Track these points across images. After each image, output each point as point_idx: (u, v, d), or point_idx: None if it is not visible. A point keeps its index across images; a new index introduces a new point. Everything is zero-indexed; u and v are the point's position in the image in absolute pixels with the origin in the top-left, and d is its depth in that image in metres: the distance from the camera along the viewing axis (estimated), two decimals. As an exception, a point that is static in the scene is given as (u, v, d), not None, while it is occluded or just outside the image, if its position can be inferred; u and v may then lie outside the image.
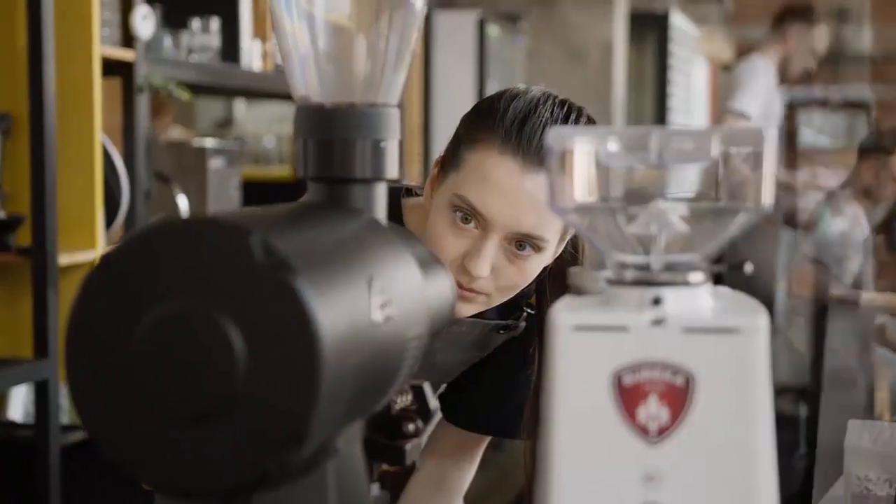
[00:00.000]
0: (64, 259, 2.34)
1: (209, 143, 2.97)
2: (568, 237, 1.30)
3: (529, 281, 1.26)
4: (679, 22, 7.30)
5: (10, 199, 2.37)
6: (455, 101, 3.91)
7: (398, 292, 0.71)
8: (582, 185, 0.69)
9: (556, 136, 0.69)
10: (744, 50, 9.65)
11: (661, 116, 7.19)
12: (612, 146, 0.69)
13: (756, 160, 0.67)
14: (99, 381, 0.62)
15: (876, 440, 1.80)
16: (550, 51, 5.28)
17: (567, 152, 0.69)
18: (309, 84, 0.81)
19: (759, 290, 4.47)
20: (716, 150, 0.67)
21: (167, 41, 2.81)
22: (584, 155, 0.69)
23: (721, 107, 4.29)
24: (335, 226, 0.72)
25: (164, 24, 2.83)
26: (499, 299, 1.26)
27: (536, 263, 1.25)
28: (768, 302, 4.65)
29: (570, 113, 1.27)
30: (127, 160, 2.56)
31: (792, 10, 4.45)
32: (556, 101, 1.26)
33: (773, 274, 4.60)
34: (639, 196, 0.70)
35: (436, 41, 4.51)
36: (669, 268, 0.69)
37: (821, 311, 4.11)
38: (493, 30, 4.70)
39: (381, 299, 0.68)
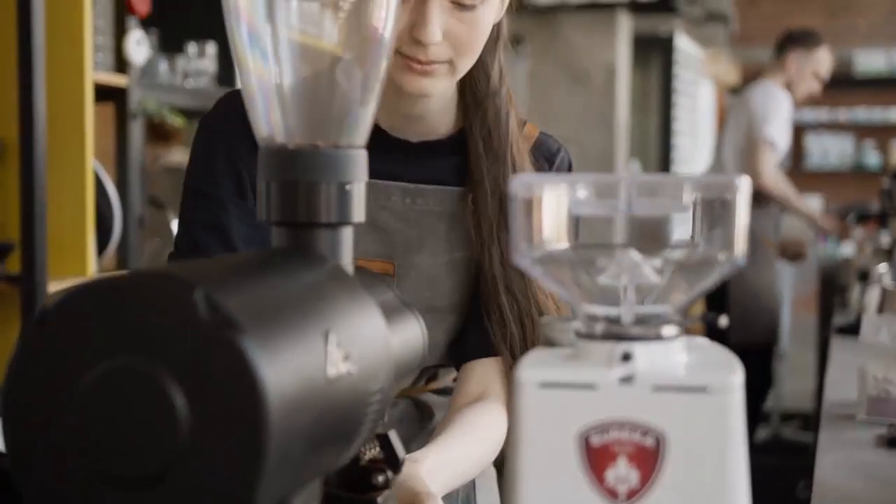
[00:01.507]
0: (54, 287, 2.32)
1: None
2: None
3: (485, 35, 1.23)
4: (684, 44, 7.28)
5: (1, 226, 2.34)
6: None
7: (359, 345, 0.68)
8: (549, 233, 0.66)
9: (521, 183, 0.66)
10: (749, 71, 9.64)
11: (665, 139, 7.16)
12: (581, 194, 0.66)
13: (728, 209, 0.64)
14: (38, 440, 0.59)
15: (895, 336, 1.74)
16: (553, 74, 5.26)
17: (534, 199, 0.66)
18: (272, 124, 0.78)
19: (762, 313, 4.41)
20: (687, 199, 0.64)
21: (163, 65, 2.79)
22: (551, 203, 0.66)
23: (749, 137, 4.31)
24: (293, 276, 0.69)
25: (160, 49, 2.81)
26: (464, 64, 1.23)
27: (486, 14, 1.21)
28: (772, 326, 4.60)
29: None
30: (120, 186, 2.54)
31: (790, 37, 4.48)
32: None
33: (775, 297, 4.55)
34: (609, 245, 0.68)
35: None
36: (641, 320, 0.66)
37: (825, 339, 4.06)
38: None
39: (339, 353, 0.65)
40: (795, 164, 9.96)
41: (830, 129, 9.85)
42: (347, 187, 0.77)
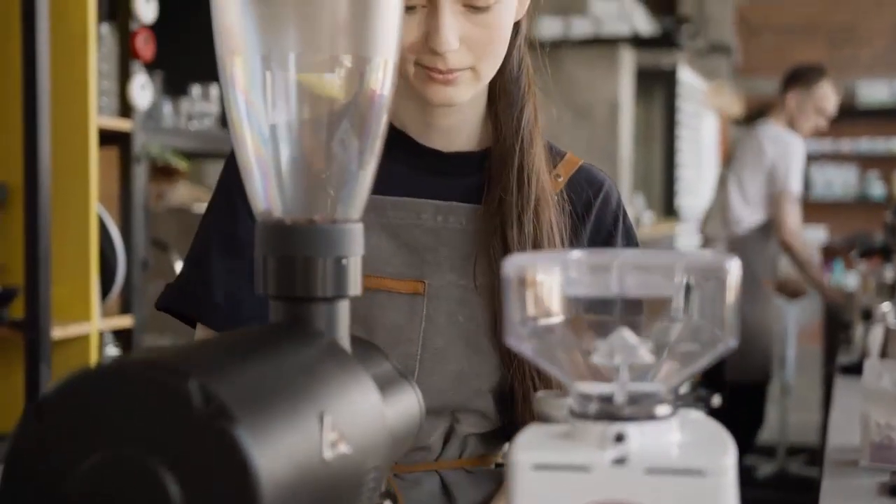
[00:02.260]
0: (58, 332, 2.32)
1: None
2: None
3: (506, 34, 1.17)
4: (687, 77, 7.30)
5: (5, 271, 2.35)
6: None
7: (354, 424, 0.68)
8: (541, 312, 0.66)
9: (513, 263, 0.66)
10: (753, 102, 9.68)
11: (669, 172, 7.18)
12: (573, 273, 0.66)
13: (720, 290, 0.65)
14: (34, 527, 0.59)
15: None
16: (557, 109, 5.27)
17: (527, 280, 0.67)
18: (270, 198, 0.79)
19: (757, 352, 4.39)
20: (679, 279, 0.65)
21: (167, 108, 2.81)
22: (543, 282, 0.67)
23: (774, 188, 4.37)
24: (288, 356, 0.69)
25: (165, 91, 2.83)
26: (487, 69, 1.17)
27: (503, 12, 1.16)
28: (766, 363, 4.57)
29: None
30: (124, 229, 2.55)
31: (790, 76, 4.53)
32: None
33: (770, 335, 4.54)
34: (602, 324, 0.68)
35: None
36: (634, 400, 0.66)
37: (830, 374, 4.05)
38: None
39: (334, 435, 0.66)
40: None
41: (834, 160, 9.86)
42: (343, 262, 0.77)
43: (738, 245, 4.37)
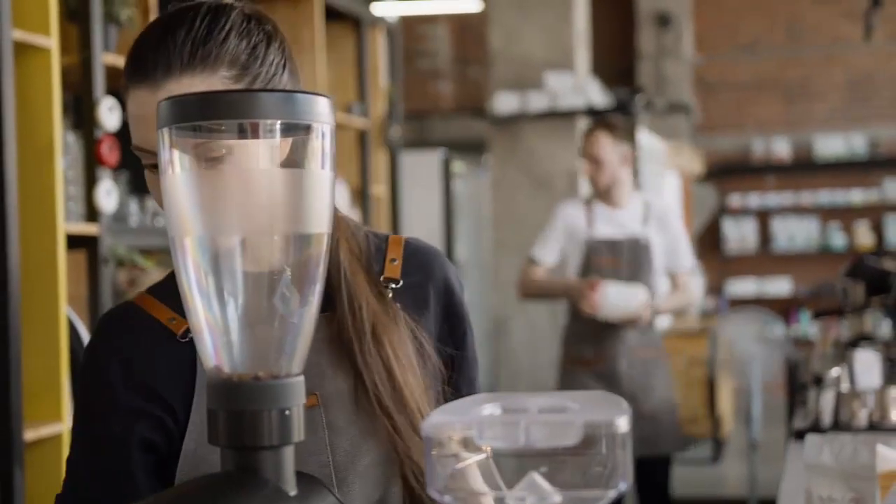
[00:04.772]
0: (30, 435, 2.38)
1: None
2: None
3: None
4: (646, 140, 7.47)
5: (-24, 374, 2.42)
6: (423, 236, 3.99)
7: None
8: (457, 469, 0.75)
9: (432, 425, 0.75)
10: (713, 159, 9.89)
11: (632, 233, 7.30)
12: (486, 432, 0.75)
13: (612, 442, 0.74)
14: None
15: (838, 455, 1.80)
16: (516, 179, 5.41)
17: (444, 438, 0.76)
18: (218, 356, 0.88)
19: (662, 426, 4.22)
20: (576, 435, 0.74)
21: (133, 207, 2.90)
22: (460, 438, 0.76)
23: None
24: (235, 509, 0.78)
25: (130, 192, 2.92)
26: None
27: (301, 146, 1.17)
28: (671, 436, 4.33)
29: (187, 13, 1.18)
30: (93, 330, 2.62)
31: None
32: (183, 8, 1.18)
33: (670, 407, 4.28)
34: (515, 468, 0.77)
35: (403, 179, 4.63)
36: (544, 539, 0.75)
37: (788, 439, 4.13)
38: (459, 167, 4.82)
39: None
40: (763, 248, 10.18)
41: (795, 212, 10.06)
42: (287, 412, 0.86)
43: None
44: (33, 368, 2.44)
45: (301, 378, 0.88)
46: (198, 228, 0.86)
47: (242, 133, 0.87)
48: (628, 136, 3.91)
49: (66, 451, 2.50)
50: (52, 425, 2.47)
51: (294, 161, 0.88)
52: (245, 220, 0.86)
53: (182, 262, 0.87)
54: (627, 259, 3.90)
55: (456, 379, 1.30)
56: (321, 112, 0.87)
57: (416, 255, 1.30)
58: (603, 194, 3.91)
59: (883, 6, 4.92)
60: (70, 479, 1.23)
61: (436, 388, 1.26)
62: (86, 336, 2.57)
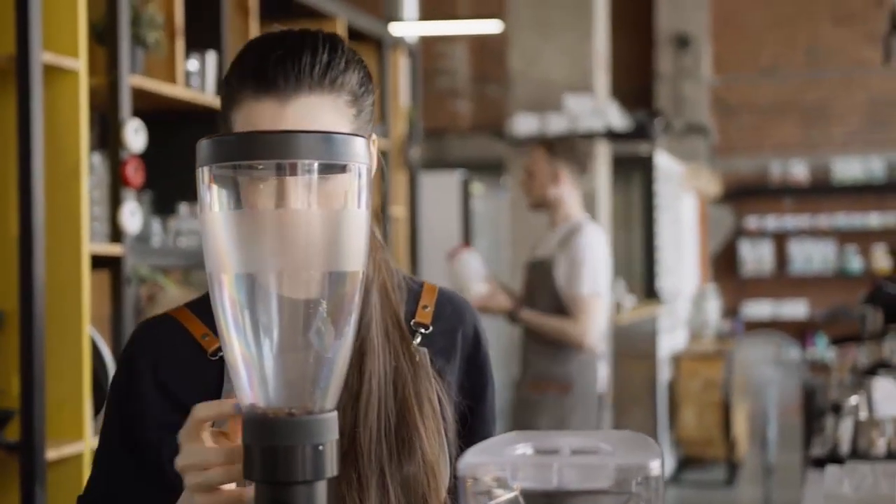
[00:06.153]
0: (52, 454, 2.40)
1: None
2: (373, 143, 1.22)
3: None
4: (664, 162, 7.47)
5: (0, 394, 2.44)
6: (442, 258, 4.00)
7: None
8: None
9: (467, 465, 0.76)
10: (731, 181, 9.89)
11: (649, 254, 7.31)
12: (519, 473, 0.76)
13: (646, 485, 0.75)
14: None
15: (858, 486, 1.80)
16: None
17: (479, 478, 0.77)
18: (254, 393, 0.89)
19: None
20: (609, 478, 0.75)
21: (156, 227, 2.92)
22: (493, 478, 0.77)
23: None
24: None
25: (154, 212, 2.95)
26: None
27: (340, 185, 1.12)
28: None
29: (307, 36, 1.19)
30: (115, 349, 2.64)
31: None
32: (295, 31, 1.20)
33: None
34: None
35: (422, 201, 4.64)
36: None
37: (808, 459, 4.12)
38: (478, 188, 4.83)
39: None
40: (779, 270, 10.15)
41: (812, 235, 10.04)
42: (320, 448, 0.88)
43: None
44: (56, 387, 2.46)
45: (334, 414, 0.89)
46: (235, 265, 0.88)
47: (281, 172, 0.88)
48: (573, 160, 3.86)
49: (87, 471, 2.53)
50: (75, 444, 2.48)
51: (331, 200, 0.89)
52: (282, 258, 0.88)
53: (219, 298, 0.89)
54: (528, 280, 3.87)
55: (468, 435, 1.28)
56: (358, 153, 0.89)
57: (448, 304, 1.32)
58: (548, 214, 3.94)
59: (903, 31, 4.92)
60: (97, 475, 1.25)
61: (450, 435, 1.26)
62: (108, 357, 2.59)
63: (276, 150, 0.87)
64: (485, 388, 1.33)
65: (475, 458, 0.78)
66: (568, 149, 3.94)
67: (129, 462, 1.23)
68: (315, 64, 1.15)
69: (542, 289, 3.75)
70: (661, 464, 0.75)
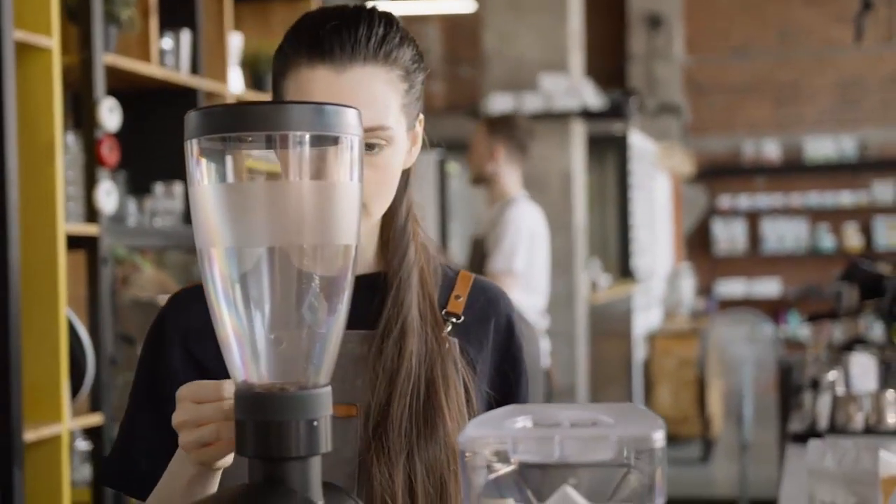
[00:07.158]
0: (30, 435, 2.38)
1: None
2: (420, 123, 1.25)
3: (395, 177, 1.21)
4: (638, 141, 7.48)
5: (-25, 376, 2.40)
6: (418, 237, 3.96)
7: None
8: (492, 489, 0.76)
9: (467, 439, 0.76)
10: (703, 160, 9.92)
11: (623, 234, 7.33)
12: (520, 446, 0.76)
13: (650, 458, 0.74)
14: None
15: (841, 460, 1.81)
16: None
17: (478, 450, 0.76)
18: (247, 369, 0.88)
19: None
20: (611, 450, 0.74)
21: (132, 207, 2.89)
22: (493, 451, 0.76)
23: None
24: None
25: (129, 191, 2.92)
26: (377, 208, 1.21)
27: (394, 156, 1.19)
28: None
29: (364, 10, 1.21)
30: (92, 329, 2.61)
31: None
32: (351, 6, 1.22)
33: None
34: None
35: (397, 179, 4.59)
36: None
37: (784, 435, 4.15)
38: (453, 167, 4.81)
39: None
40: (752, 249, 10.20)
41: (785, 214, 10.09)
42: (315, 423, 0.86)
43: None
44: (33, 369, 2.43)
45: (328, 389, 0.88)
46: (226, 239, 0.86)
47: (271, 144, 0.87)
48: (512, 138, 3.87)
49: (65, 452, 2.51)
50: (52, 426, 2.46)
51: (322, 172, 0.88)
52: (273, 231, 0.86)
53: (209, 273, 0.87)
54: (470, 257, 3.94)
55: None
56: (350, 124, 0.88)
57: (482, 294, 1.32)
58: (487, 191, 3.95)
59: (873, 9, 4.93)
60: (126, 433, 1.26)
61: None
62: (85, 337, 2.56)
63: (266, 121, 0.85)
64: (519, 378, 1.32)
65: (475, 431, 0.77)
66: (507, 127, 3.96)
67: (154, 418, 1.23)
68: (371, 36, 1.17)
69: (479, 266, 3.80)
70: (663, 435, 0.75)
